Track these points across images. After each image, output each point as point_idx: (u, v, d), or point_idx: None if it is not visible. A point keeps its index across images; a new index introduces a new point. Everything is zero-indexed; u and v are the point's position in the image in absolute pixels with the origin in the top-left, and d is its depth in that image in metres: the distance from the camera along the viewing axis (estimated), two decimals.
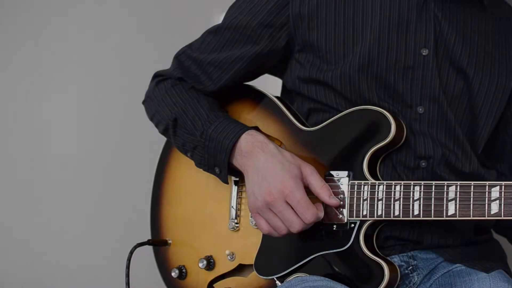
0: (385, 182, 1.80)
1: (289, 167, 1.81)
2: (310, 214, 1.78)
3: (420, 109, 1.89)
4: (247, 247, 1.98)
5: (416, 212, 1.76)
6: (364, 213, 1.81)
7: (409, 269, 1.90)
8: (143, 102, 2.15)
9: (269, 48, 1.98)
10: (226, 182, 1.95)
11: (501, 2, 2.06)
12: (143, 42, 3.10)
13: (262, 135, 1.90)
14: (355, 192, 1.83)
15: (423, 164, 1.89)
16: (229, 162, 1.91)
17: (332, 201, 1.81)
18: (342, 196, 1.84)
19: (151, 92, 2.11)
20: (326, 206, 1.84)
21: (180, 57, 2.08)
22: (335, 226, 1.85)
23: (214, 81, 2.02)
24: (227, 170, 1.92)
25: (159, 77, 2.12)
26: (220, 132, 1.91)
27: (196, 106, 1.99)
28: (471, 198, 1.72)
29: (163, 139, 2.16)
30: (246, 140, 1.88)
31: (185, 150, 2.01)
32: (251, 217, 1.97)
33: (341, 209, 1.84)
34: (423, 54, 1.89)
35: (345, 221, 1.83)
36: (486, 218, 1.70)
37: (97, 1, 3.15)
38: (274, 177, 1.80)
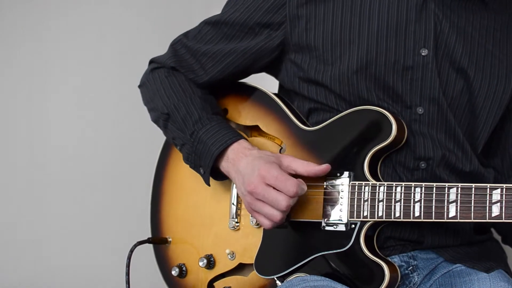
0: (386, 183, 1.80)
1: (266, 158, 1.85)
2: (290, 184, 1.79)
3: (420, 110, 1.89)
4: (248, 246, 1.98)
5: (417, 214, 1.76)
6: (365, 214, 1.81)
7: (409, 269, 1.90)
8: (139, 87, 2.18)
9: (262, 45, 1.99)
10: (208, 184, 1.98)
11: None
12: (144, 42, 3.10)
13: (247, 142, 1.93)
14: (356, 192, 1.83)
15: (423, 165, 1.88)
16: (216, 166, 1.94)
17: (322, 167, 1.84)
18: (342, 196, 1.84)
19: (146, 79, 2.14)
20: (326, 206, 1.85)
21: (176, 45, 2.11)
22: (335, 226, 1.84)
23: (207, 71, 2.05)
24: (210, 174, 1.95)
25: (154, 64, 2.15)
26: (210, 137, 1.94)
27: (188, 104, 2.00)
28: (472, 201, 1.71)
29: (163, 138, 2.16)
30: (233, 148, 1.92)
31: (175, 143, 2.05)
32: (251, 216, 1.97)
33: (342, 210, 1.84)
34: (423, 54, 1.89)
35: (346, 221, 1.83)
36: (487, 220, 1.70)
37: (96, 0, 3.16)
38: (252, 170, 1.84)
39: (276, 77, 2.09)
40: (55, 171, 3.14)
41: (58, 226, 3.14)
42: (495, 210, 1.69)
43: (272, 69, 2.07)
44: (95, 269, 3.11)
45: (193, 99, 2.02)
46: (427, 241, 1.90)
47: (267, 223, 1.84)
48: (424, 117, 1.89)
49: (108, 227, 3.12)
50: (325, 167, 1.84)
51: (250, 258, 1.97)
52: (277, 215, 1.81)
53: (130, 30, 3.14)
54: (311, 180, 1.86)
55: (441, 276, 1.91)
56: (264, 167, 1.82)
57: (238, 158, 1.89)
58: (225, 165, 1.93)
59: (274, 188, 1.80)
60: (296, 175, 1.85)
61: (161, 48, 2.19)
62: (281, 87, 2.13)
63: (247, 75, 2.10)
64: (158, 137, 2.18)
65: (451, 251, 1.93)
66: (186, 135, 1.98)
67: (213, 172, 1.96)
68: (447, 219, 1.73)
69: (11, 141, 3.16)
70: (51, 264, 3.13)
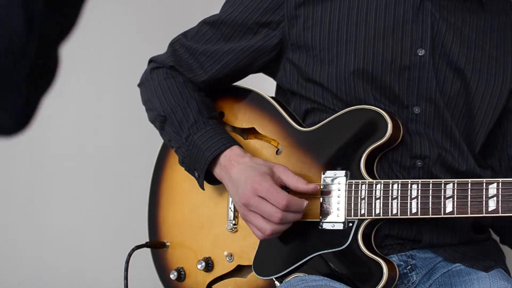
0: (382, 181, 1.81)
1: (258, 168, 1.85)
2: (282, 197, 1.79)
3: (416, 110, 1.89)
4: (246, 248, 1.98)
5: (414, 210, 1.77)
6: (362, 212, 1.82)
7: (407, 268, 1.90)
8: (139, 85, 2.18)
9: (260, 44, 2.00)
10: (202, 188, 1.99)
11: None
12: (144, 42, 3.10)
13: (240, 149, 1.93)
14: (353, 191, 1.83)
15: (419, 164, 1.89)
16: (210, 171, 1.95)
17: (310, 187, 1.84)
18: (339, 195, 1.85)
19: (145, 78, 2.15)
20: (323, 206, 1.86)
21: (174, 45, 2.11)
22: (333, 225, 1.85)
23: (206, 70, 2.05)
24: (204, 178, 1.96)
25: (153, 63, 2.15)
26: (204, 142, 1.94)
27: (185, 107, 2.01)
28: (469, 196, 1.72)
29: (161, 141, 2.16)
30: (225, 155, 1.92)
31: (171, 145, 2.06)
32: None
33: (339, 209, 1.84)
34: (419, 54, 1.89)
35: (343, 220, 1.84)
36: (484, 215, 1.71)
37: (96, 0, 3.16)
38: (245, 181, 1.84)
39: (274, 77, 2.10)
40: (55, 173, 3.15)
41: (56, 229, 3.14)
42: (492, 205, 1.70)
43: (270, 69, 2.08)
44: (94, 273, 3.11)
45: (190, 102, 2.02)
46: (425, 240, 1.90)
47: (259, 235, 1.85)
48: (420, 116, 1.89)
49: (106, 231, 3.11)
50: (313, 187, 1.85)
51: (249, 260, 1.97)
52: (267, 229, 1.82)
53: (130, 30, 3.14)
54: (307, 179, 1.87)
55: (440, 276, 1.90)
56: (256, 179, 1.82)
57: (230, 165, 1.90)
58: (218, 172, 1.93)
59: (267, 200, 1.81)
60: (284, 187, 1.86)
61: (161, 48, 2.19)
62: (278, 88, 2.13)
63: (245, 74, 2.11)
64: (156, 139, 2.18)
65: (450, 250, 1.93)
66: (181, 138, 1.98)
67: (208, 176, 1.96)
68: (444, 214, 1.74)
69: (10, 141, 3.17)
70: (49, 268, 3.12)
